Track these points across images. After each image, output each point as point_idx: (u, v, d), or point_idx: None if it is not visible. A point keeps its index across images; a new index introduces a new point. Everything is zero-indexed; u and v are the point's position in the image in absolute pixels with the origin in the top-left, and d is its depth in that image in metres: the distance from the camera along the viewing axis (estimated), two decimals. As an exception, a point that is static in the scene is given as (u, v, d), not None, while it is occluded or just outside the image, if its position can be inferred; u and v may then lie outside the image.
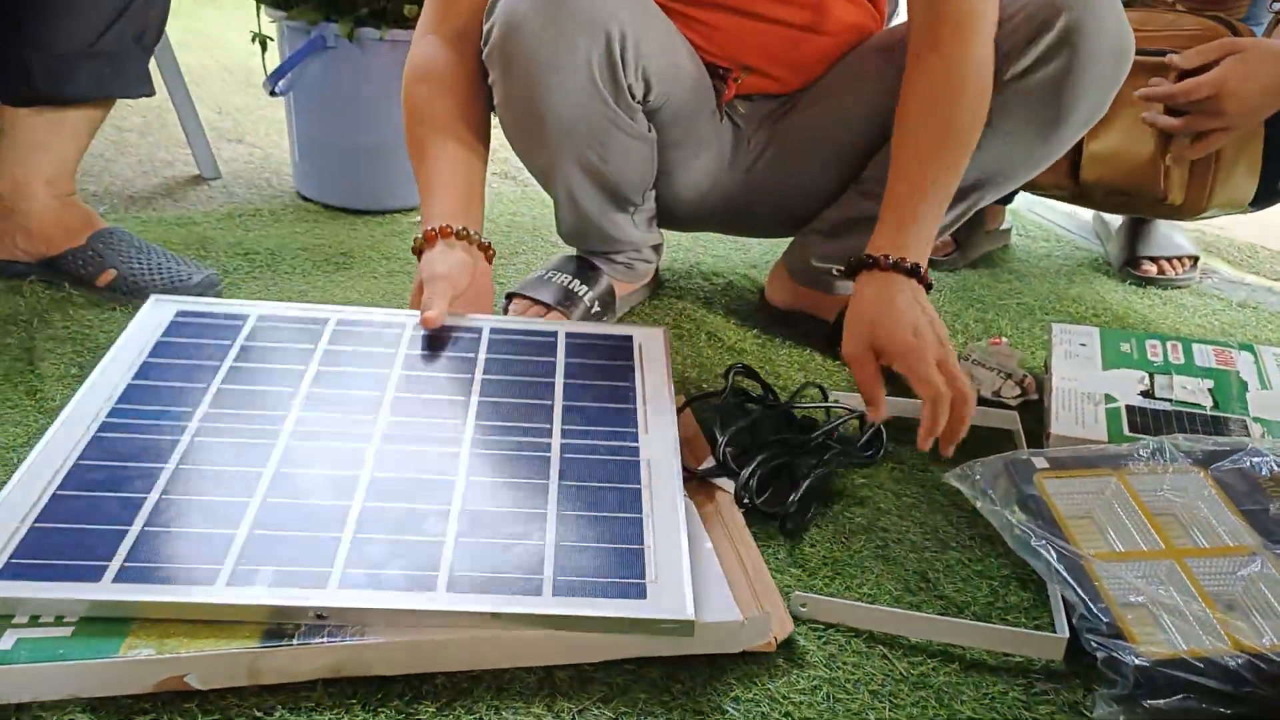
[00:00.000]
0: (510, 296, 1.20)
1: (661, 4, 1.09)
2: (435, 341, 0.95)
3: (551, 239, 1.52)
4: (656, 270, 1.34)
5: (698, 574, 0.74)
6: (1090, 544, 0.81)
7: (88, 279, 1.19)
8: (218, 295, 1.21)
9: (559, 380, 0.92)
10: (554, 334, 0.99)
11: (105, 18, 1.15)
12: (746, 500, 0.87)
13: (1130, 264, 1.59)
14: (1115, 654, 0.70)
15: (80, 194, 1.28)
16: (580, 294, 1.19)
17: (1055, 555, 0.78)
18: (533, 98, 1.02)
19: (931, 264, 1.52)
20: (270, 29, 1.57)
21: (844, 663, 0.74)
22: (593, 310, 1.20)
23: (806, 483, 0.90)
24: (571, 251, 1.27)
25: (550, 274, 1.21)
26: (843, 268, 1.02)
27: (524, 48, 0.99)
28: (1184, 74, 1.27)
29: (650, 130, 1.12)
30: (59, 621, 0.66)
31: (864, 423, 1.01)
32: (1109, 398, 1.05)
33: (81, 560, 0.68)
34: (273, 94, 1.54)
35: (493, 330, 0.98)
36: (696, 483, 0.89)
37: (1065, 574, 0.77)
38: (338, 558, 0.70)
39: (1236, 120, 1.27)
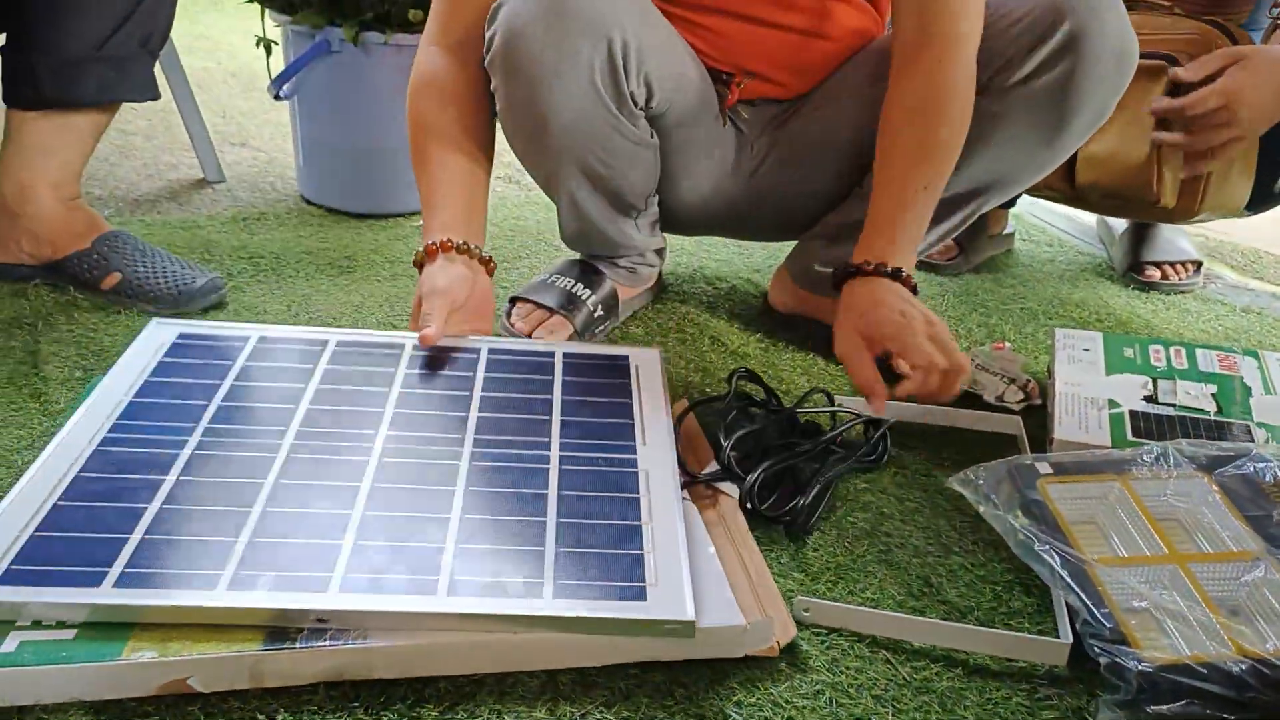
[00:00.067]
0: (514, 300, 1.20)
1: (664, 9, 1.09)
2: (434, 362, 0.96)
3: (555, 243, 1.52)
4: (660, 274, 1.35)
5: (700, 578, 0.74)
6: (1094, 549, 0.81)
7: (92, 282, 1.19)
8: (222, 299, 1.22)
9: (557, 397, 0.93)
10: (551, 354, 1.01)
11: (111, 22, 1.15)
12: (749, 505, 0.87)
13: (1134, 269, 1.59)
14: (1119, 659, 0.70)
15: (85, 197, 1.28)
16: (583, 298, 1.19)
17: (1059, 560, 0.78)
18: (535, 104, 1.02)
19: (935, 268, 1.53)
20: (275, 33, 1.58)
21: (847, 667, 0.74)
22: (595, 314, 1.20)
23: (818, 486, 0.90)
24: (575, 256, 1.27)
25: (553, 278, 1.22)
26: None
27: (526, 54, 0.99)
28: (1188, 86, 1.27)
29: (653, 136, 1.12)
30: (62, 625, 0.66)
31: (869, 428, 1.01)
32: (1112, 403, 1.05)
33: (82, 566, 0.68)
34: (277, 98, 1.54)
35: (491, 351, 0.99)
36: (699, 487, 0.89)
37: (1069, 579, 0.76)
38: (338, 563, 0.70)
39: (1249, 128, 1.27)
